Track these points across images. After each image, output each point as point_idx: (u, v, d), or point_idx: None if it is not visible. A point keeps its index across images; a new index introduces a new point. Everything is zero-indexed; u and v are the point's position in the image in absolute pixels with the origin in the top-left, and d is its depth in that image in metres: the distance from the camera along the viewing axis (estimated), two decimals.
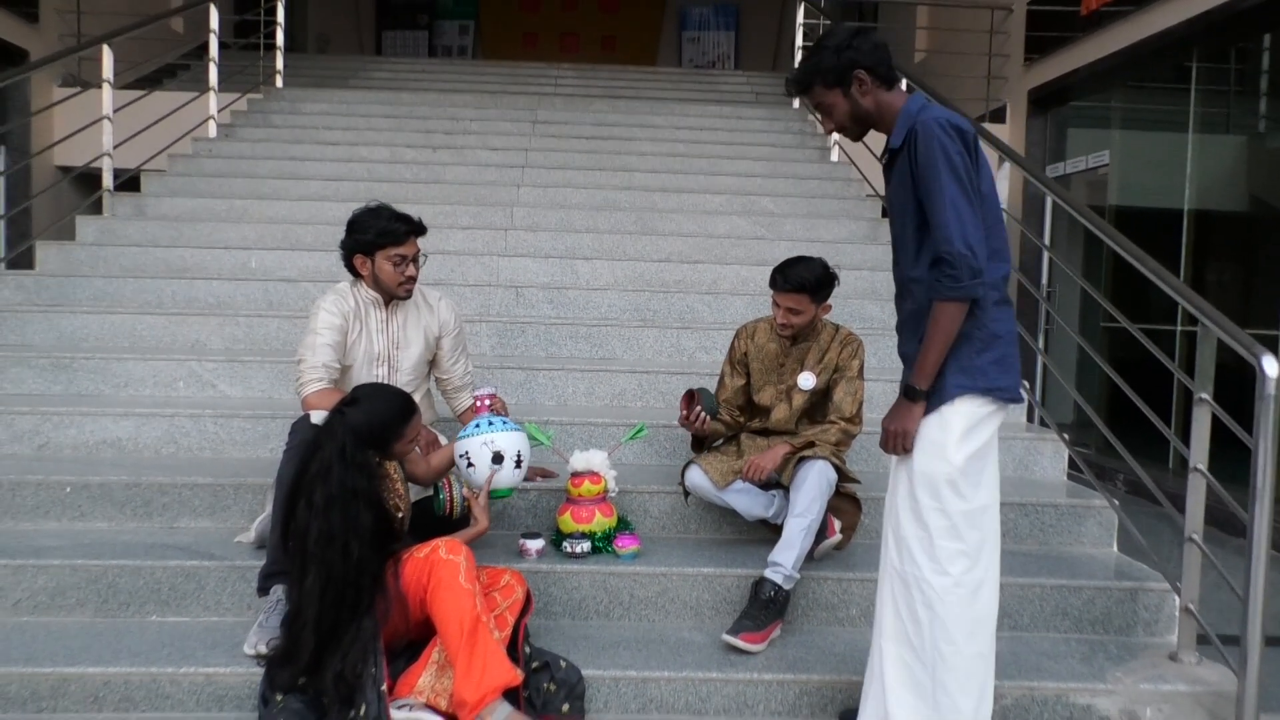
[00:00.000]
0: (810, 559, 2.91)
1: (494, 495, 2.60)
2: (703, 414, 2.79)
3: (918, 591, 2.11)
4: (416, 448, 2.57)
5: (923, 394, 2.07)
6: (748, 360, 2.99)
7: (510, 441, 2.56)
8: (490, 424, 2.59)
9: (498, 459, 2.51)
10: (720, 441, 3.11)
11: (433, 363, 3.03)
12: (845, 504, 3.05)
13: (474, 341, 4.09)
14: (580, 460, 2.98)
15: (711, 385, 3.53)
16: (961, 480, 2.06)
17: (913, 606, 2.11)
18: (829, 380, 2.93)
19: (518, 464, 2.55)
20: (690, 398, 2.82)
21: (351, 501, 2.21)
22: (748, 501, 2.93)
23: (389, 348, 2.84)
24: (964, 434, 2.07)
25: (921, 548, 2.10)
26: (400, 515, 2.39)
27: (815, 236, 5.19)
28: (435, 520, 2.68)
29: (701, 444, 3.06)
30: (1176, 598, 2.83)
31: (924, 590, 2.11)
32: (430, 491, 2.71)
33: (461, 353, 3.08)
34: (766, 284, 3.44)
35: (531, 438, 2.72)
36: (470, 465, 2.55)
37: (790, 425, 3.02)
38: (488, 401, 2.70)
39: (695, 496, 3.02)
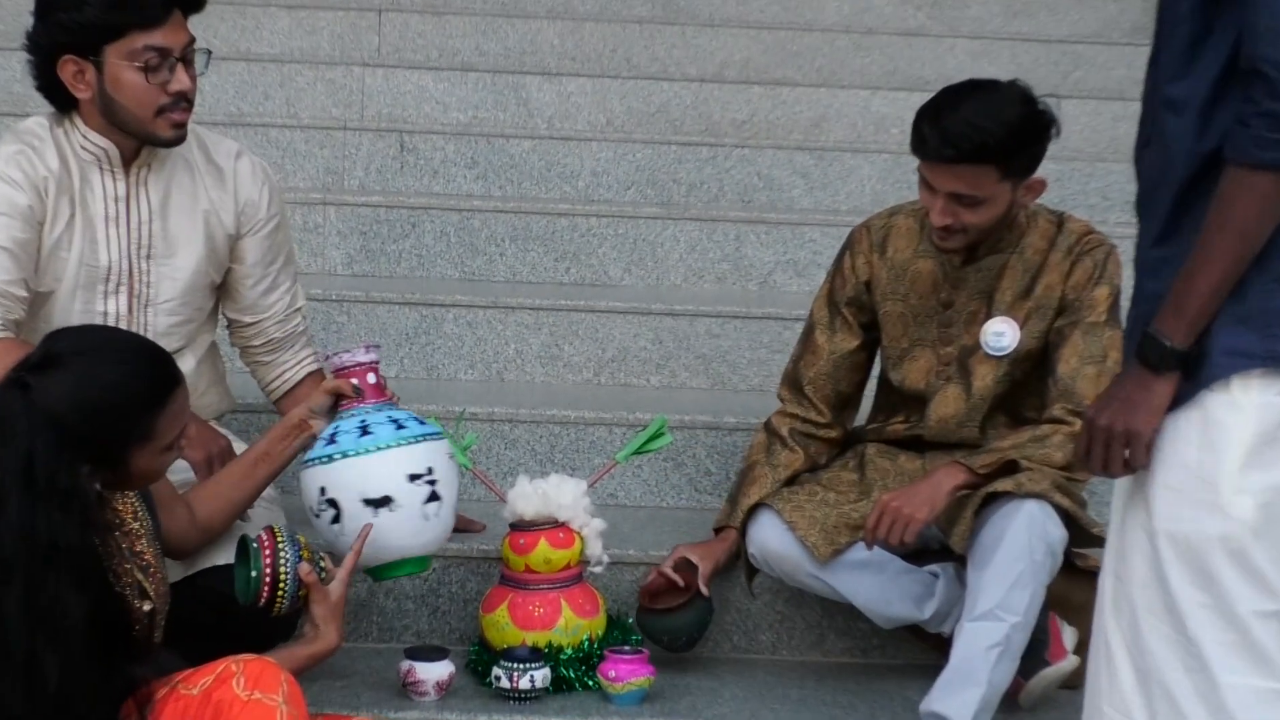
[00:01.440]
0: (1009, 707, 2.57)
1: (377, 574, 2.42)
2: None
3: None
4: (182, 461, 2.38)
5: (1175, 357, 1.82)
6: (872, 297, 2.70)
7: (417, 461, 2.36)
8: (367, 429, 2.38)
9: (382, 503, 2.33)
10: (817, 465, 2.74)
11: (224, 289, 2.68)
12: (1088, 590, 2.48)
13: (313, 247, 3.75)
14: (529, 499, 2.63)
15: (769, 361, 3.40)
16: (1256, 547, 1.83)
17: None
18: (1046, 332, 2.63)
19: (431, 499, 2.36)
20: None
21: (44, 573, 1.97)
22: (878, 587, 2.63)
23: (131, 253, 2.58)
24: (1254, 451, 1.82)
25: (1184, 679, 1.86)
26: (146, 607, 2.16)
27: (1023, 31, 4.82)
28: (229, 620, 2.39)
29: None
30: None
31: None
32: (218, 560, 2.45)
33: (283, 269, 2.70)
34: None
35: None
36: (325, 513, 2.36)
37: (968, 430, 2.66)
38: (371, 378, 2.44)
39: (769, 573, 2.66)
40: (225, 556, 2.37)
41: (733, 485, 2.73)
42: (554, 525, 2.55)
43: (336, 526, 2.33)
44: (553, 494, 2.58)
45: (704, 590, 2.57)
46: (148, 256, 2.53)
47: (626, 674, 2.48)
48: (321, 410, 2.42)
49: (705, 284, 3.81)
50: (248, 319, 2.66)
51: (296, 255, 2.87)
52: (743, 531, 2.61)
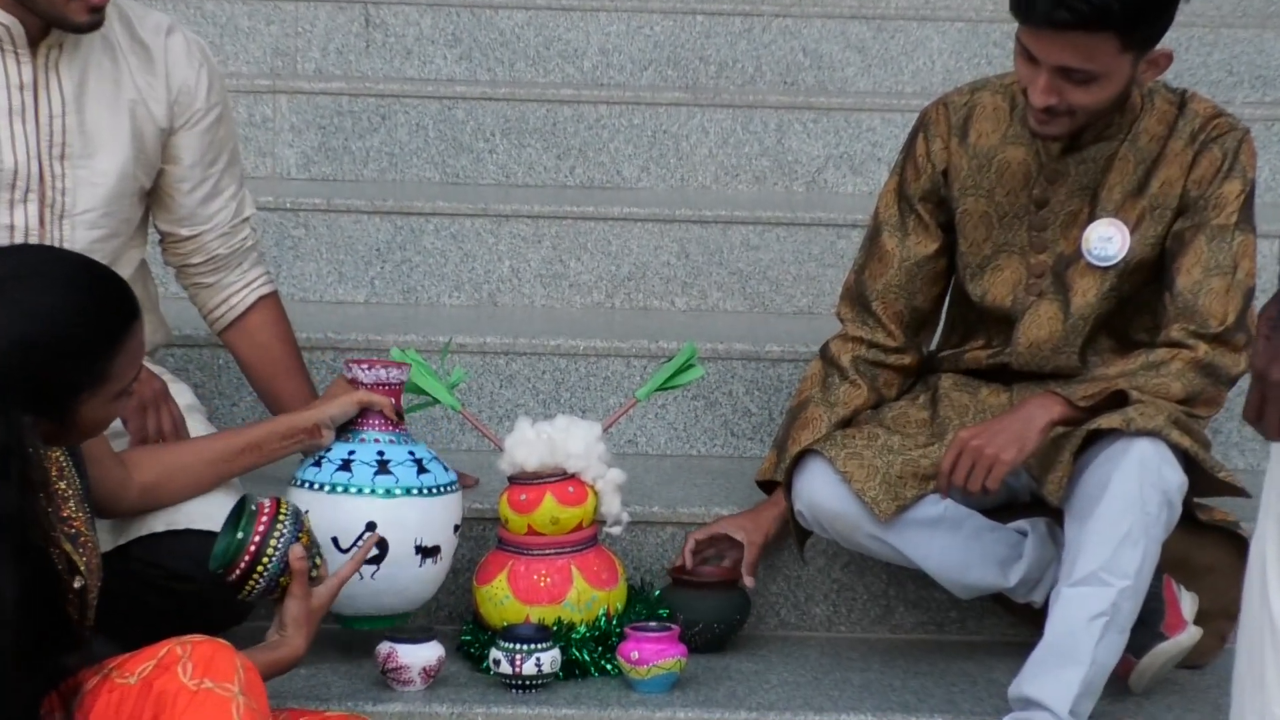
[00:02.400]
0: (1118, 690, 2.60)
1: (349, 623, 2.56)
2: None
3: None
4: (132, 409, 2.47)
5: None
6: (950, 190, 2.71)
7: (458, 511, 2.56)
8: (424, 466, 2.53)
9: (431, 553, 2.50)
10: (884, 400, 2.80)
11: (155, 196, 2.73)
12: (1212, 549, 2.71)
13: (260, 145, 3.78)
14: (532, 446, 2.66)
15: (818, 277, 3.47)
16: None
17: None
18: (1163, 237, 2.64)
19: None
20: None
21: None
22: (954, 548, 2.64)
23: (41, 153, 2.58)
24: None
25: None
26: (77, 584, 2.16)
27: None
28: (171, 600, 2.45)
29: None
30: None
31: None
32: (156, 526, 2.49)
33: (226, 171, 2.77)
34: None
35: (420, 391, 2.65)
36: (354, 549, 2.47)
37: (1066, 357, 2.70)
38: (385, 373, 2.57)
39: (820, 534, 2.70)
40: (165, 524, 2.39)
41: (779, 429, 2.75)
42: (562, 477, 2.55)
43: (371, 568, 2.45)
44: (560, 440, 2.58)
45: (748, 582, 2.62)
46: (61, 157, 2.52)
47: (652, 655, 2.47)
48: (339, 420, 2.51)
49: (740, 185, 3.80)
50: (185, 232, 2.65)
51: (242, 155, 2.89)
52: (789, 484, 2.62)
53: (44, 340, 2.05)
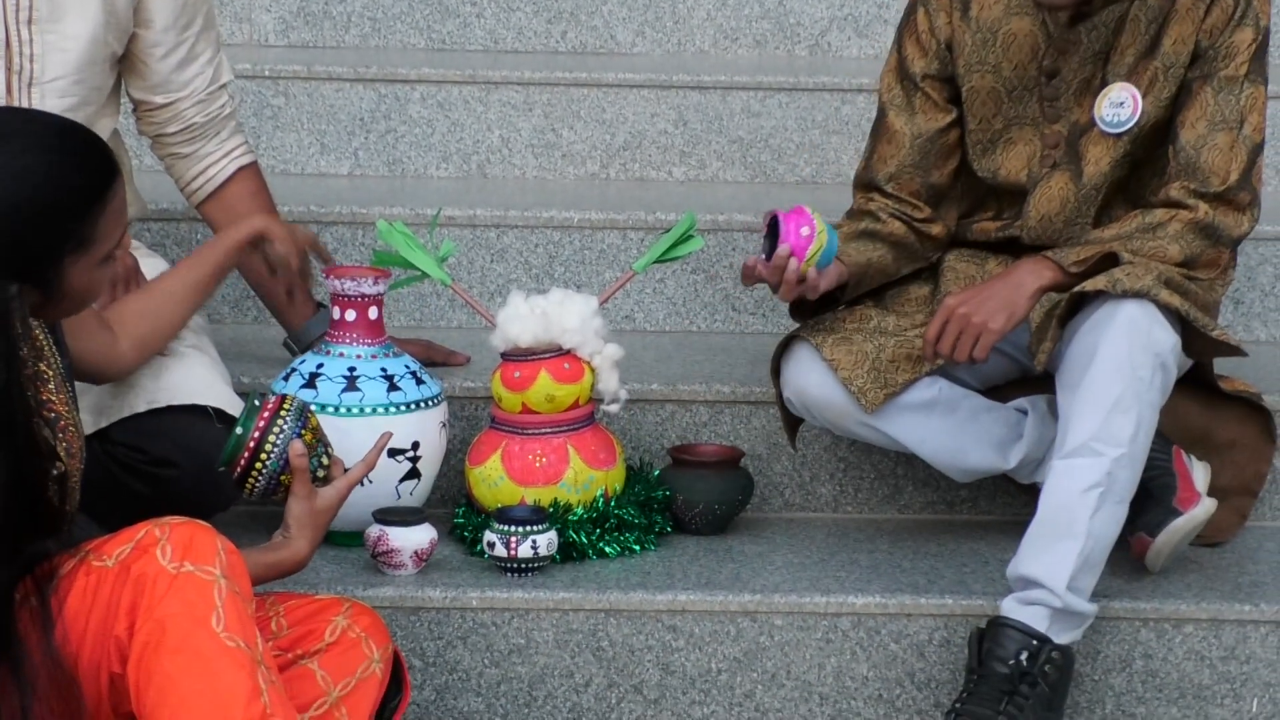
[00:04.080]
0: (1134, 570, 2.66)
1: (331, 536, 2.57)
2: (798, 263, 2.64)
3: None
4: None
5: None
6: (954, 65, 2.70)
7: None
8: (420, 378, 2.64)
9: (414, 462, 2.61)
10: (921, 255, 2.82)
11: (127, 62, 2.72)
12: (1235, 424, 2.76)
13: (235, 9, 3.74)
14: (525, 322, 2.67)
15: (823, 145, 3.49)
16: None
17: None
18: (1172, 95, 2.63)
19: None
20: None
21: None
22: (948, 431, 2.68)
23: (7, 17, 2.57)
24: None
25: None
26: (57, 469, 2.16)
27: None
28: (161, 487, 2.48)
29: (810, 306, 2.77)
30: None
31: None
32: (138, 406, 2.52)
33: (202, 34, 2.76)
34: None
35: (409, 265, 2.68)
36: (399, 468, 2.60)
37: (1079, 228, 2.71)
38: (374, 313, 2.65)
39: (812, 422, 2.72)
40: (146, 402, 2.41)
41: None
42: (557, 353, 2.56)
43: (411, 484, 2.54)
44: (554, 314, 2.58)
45: (813, 278, 2.57)
46: (29, 21, 2.50)
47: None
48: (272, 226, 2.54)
49: (740, 48, 3.78)
50: (159, 100, 2.65)
51: (217, 18, 2.89)
52: (777, 370, 2.64)
53: (24, 201, 2.03)
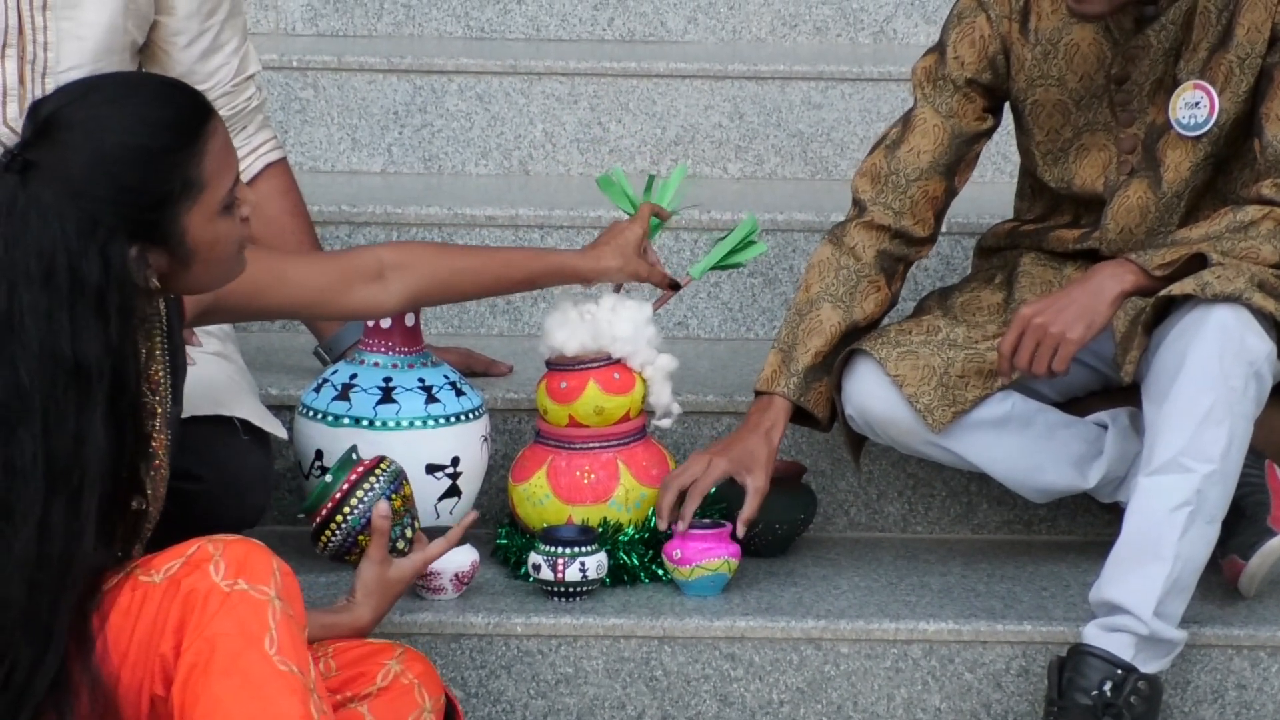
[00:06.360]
0: (1227, 595, 2.62)
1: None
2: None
3: None
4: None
5: None
6: (1009, 80, 2.70)
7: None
8: (460, 389, 2.67)
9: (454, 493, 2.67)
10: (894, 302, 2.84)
11: (148, 52, 2.73)
12: None
13: None
14: (573, 329, 2.65)
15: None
16: None
17: None
18: (1251, 86, 2.59)
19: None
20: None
21: (75, 380, 2.02)
22: (1023, 449, 2.64)
23: (20, 2, 2.55)
24: None
25: None
26: (135, 505, 2.19)
27: None
28: (191, 506, 2.41)
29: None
30: None
31: None
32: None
33: (228, 22, 2.75)
34: None
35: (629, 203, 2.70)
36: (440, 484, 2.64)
37: (1165, 238, 2.65)
38: (410, 318, 2.66)
39: (875, 440, 2.70)
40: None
41: (783, 325, 2.71)
42: (606, 363, 2.54)
43: (447, 501, 2.54)
44: (605, 322, 2.56)
45: (739, 533, 2.60)
46: (44, 8, 2.49)
47: (697, 554, 2.48)
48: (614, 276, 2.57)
49: (800, 37, 3.75)
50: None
51: (243, 5, 2.89)
52: (838, 386, 2.60)
53: (123, 154, 2.06)
